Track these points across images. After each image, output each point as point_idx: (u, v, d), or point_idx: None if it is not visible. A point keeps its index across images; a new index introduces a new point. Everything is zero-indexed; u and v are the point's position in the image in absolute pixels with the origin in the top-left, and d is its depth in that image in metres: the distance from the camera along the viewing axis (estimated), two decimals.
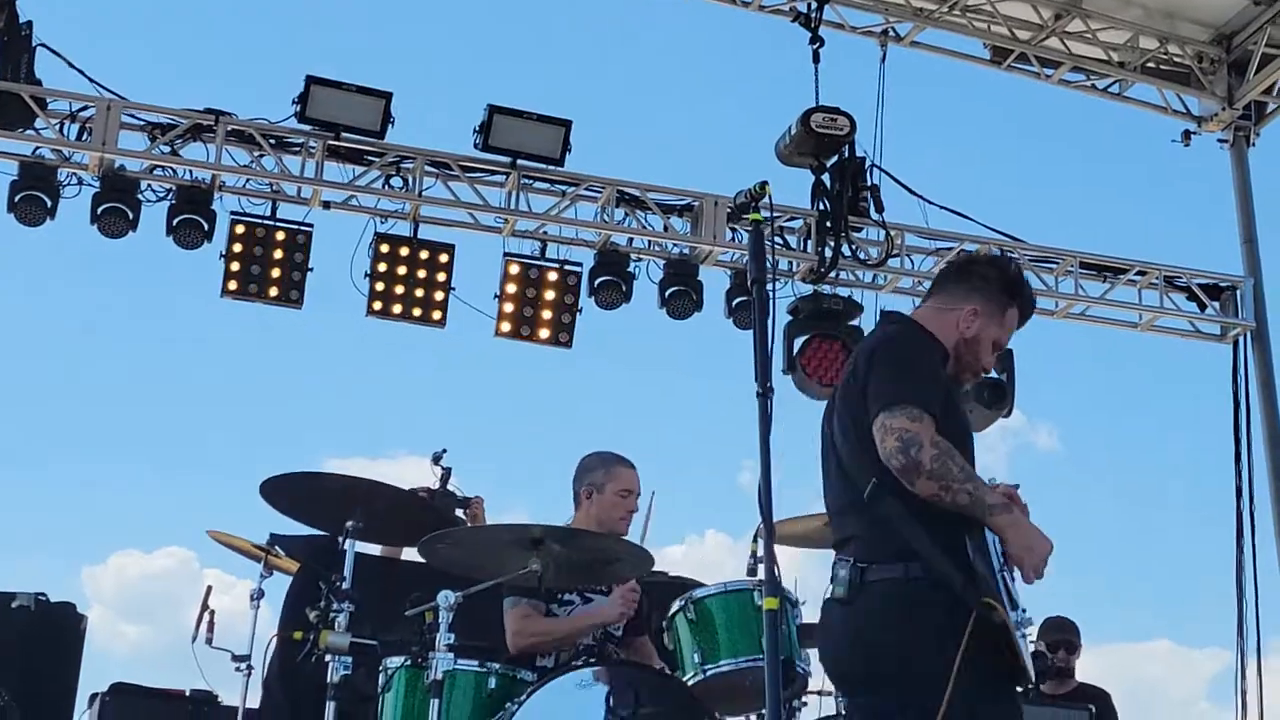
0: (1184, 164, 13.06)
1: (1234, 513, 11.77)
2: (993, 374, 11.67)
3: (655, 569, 6.94)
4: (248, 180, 10.62)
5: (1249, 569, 11.54)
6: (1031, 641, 8.83)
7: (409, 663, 6.24)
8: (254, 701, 7.65)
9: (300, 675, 6.95)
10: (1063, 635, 9.17)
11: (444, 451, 8.25)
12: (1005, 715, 4.58)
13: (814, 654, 7.06)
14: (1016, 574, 4.53)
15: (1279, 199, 13.94)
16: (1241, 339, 12.26)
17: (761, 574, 4.11)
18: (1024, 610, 4.57)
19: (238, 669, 7.63)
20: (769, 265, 4.35)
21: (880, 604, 4.54)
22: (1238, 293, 12.38)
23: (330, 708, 6.27)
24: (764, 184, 4.34)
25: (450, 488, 8.19)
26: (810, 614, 7.29)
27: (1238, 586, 11.51)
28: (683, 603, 6.57)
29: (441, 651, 5.96)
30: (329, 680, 6.29)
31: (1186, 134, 12.62)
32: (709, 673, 6.43)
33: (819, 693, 7.20)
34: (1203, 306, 12.35)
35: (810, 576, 8.62)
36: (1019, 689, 4.62)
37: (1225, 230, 12.72)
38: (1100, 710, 9.01)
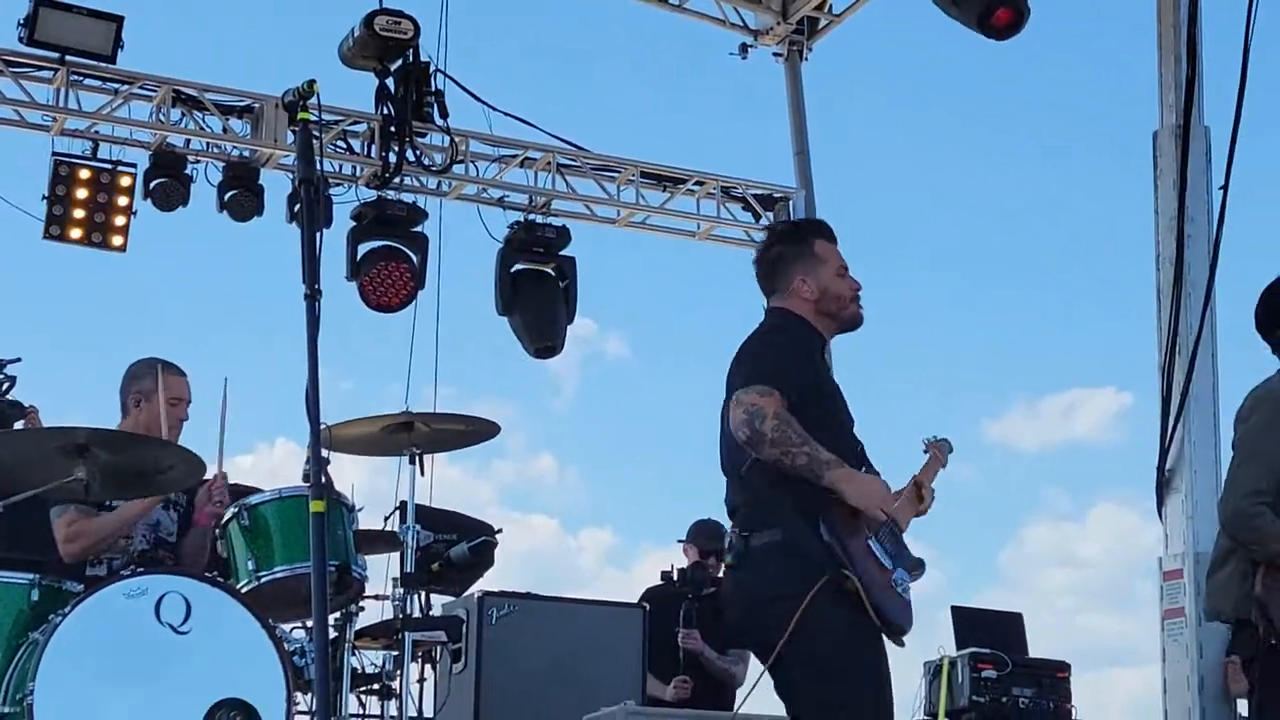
0: (741, 77, 13.37)
1: None
2: (555, 280, 11.85)
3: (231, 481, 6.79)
4: None
5: None
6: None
7: None
8: None
9: None
10: (715, 544, 9.06)
11: (16, 360, 7.86)
12: (868, 666, 4.98)
13: (372, 560, 7.13)
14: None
15: (829, 112, 14.43)
16: None
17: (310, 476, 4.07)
18: (914, 568, 5.11)
19: None
20: (319, 165, 4.30)
21: (763, 568, 5.02)
22: (790, 203, 12.76)
23: None
24: (312, 82, 4.30)
25: (10, 397, 7.84)
26: (371, 519, 7.35)
27: None
28: (236, 509, 6.49)
29: None
30: None
31: (744, 47, 12.88)
32: (263, 579, 6.39)
33: (376, 597, 7.21)
34: (758, 216, 12.72)
35: (375, 482, 8.64)
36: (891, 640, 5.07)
37: (779, 143, 13.11)
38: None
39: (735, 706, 8.92)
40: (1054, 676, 9.30)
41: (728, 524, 5.28)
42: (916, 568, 5.14)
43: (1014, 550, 19.72)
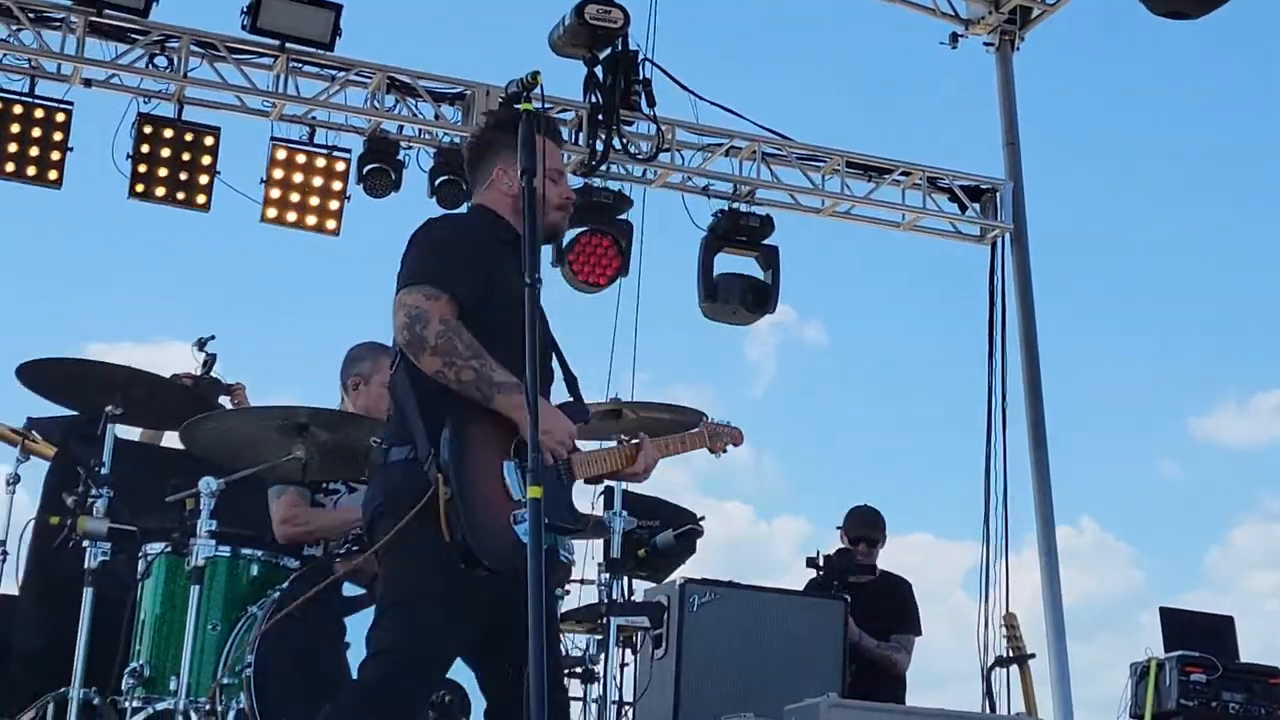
0: (951, 66, 13.27)
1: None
2: (758, 276, 11.86)
3: None
4: (4, 55, 10.29)
5: (998, 467, 11.89)
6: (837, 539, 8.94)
7: (169, 549, 6.18)
8: (9, 588, 7.52)
9: (58, 561, 6.84)
10: (865, 530, 9.24)
11: (211, 338, 8.11)
12: (435, 596, 4.50)
13: (577, 544, 7.21)
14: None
15: (1040, 103, 14.23)
16: (1000, 241, 12.56)
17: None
18: (566, 522, 4.70)
19: None
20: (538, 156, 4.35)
21: (383, 486, 4.66)
22: (998, 195, 12.64)
23: (88, 594, 6.19)
24: (536, 74, 4.34)
25: (214, 374, 8.08)
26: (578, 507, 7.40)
27: (986, 483, 11.87)
28: None
29: (203, 538, 5.91)
30: (87, 566, 6.21)
31: (954, 36, 12.81)
32: None
33: (582, 581, 7.30)
34: (964, 208, 12.62)
35: None
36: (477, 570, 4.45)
37: (988, 133, 12.99)
38: (899, 598, 9.24)
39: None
40: (1265, 683, 9.07)
41: None
42: (569, 522, 4.71)
43: (1222, 551, 19.28)
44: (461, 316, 4.55)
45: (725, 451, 5.43)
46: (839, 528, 9.31)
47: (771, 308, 11.93)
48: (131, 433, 7.46)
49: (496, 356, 4.51)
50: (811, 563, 8.76)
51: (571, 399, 4.91)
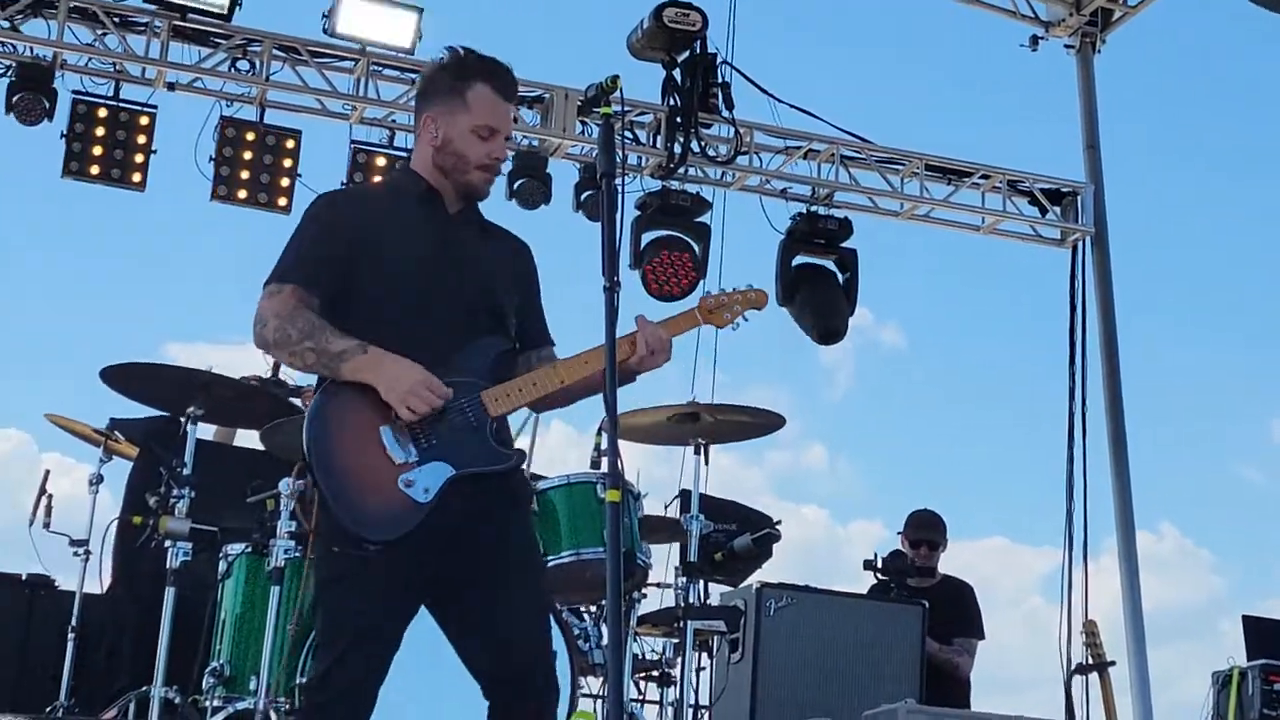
0: (1031, 69, 13.18)
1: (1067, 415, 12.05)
2: (837, 274, 11.81)
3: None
4: (90, 59, 10.39)
5: (1079, 471, 11.82)
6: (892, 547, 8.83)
7: (250, 550, 6.24)
8: (92, 587, 7.60)
9: (140, 561, 6.92)
10: (924, 534, 9.21)
11: None
12: (333, 579, 4.33)
13: (655, 548, 7.22)
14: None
15: (1122, 106, 14.13)
16: (1081, 244, 12.47)
17: (605, 467, 4.12)
18: (483, 460, 4.31)
19: (75, 554, 7.59)
20: (618, 159, 4.34)
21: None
22: (1079, 198, 12.56)
23: (170, 594, 6.26)
24: (615, 78, 4.32)
25: (282, 377, 8.12)
26: (652, 506, 7.43)
27: (1067, 488, 11.79)
28: None
29: (283, 539, 5.96)
30: (169, 566, 6.27)
31: (1034, 39, 12.74)
32: (550, 563, 6.49)
33: (659, 585, 7.31)
34: (1044, 211, 12.53)
35: (653, 470, 8.74)
36: (368, 545, 4.20)
37: (1069, 136, 12.90)
38: (961, 601, 9.20)
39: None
40: None
41: None
42: (490, 463, 4.32)
43: None
44: (322, 294, 4.34)
45: (743, 320, 4.82)
46: (899, 532, 9.28)
47: (850, 311, 11.87)
48: (205, 431, 7.53)
49: (382, 325, 4.32)
50: (869, 565, 8.72)
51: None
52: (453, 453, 4.26)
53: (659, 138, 11.41)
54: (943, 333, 18.45)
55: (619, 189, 4.34)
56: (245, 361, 8.20)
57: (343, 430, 4.25)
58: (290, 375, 8.09)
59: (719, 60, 11.24)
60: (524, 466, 4.54)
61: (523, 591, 4.35)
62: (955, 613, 9.05)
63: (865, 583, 8.74)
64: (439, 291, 4.43)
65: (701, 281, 11.29)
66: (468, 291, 4.46)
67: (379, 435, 4.23)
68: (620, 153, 4.37)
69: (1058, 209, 12.54)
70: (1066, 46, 12.83)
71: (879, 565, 8.68)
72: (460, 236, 4.55)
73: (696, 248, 11.39)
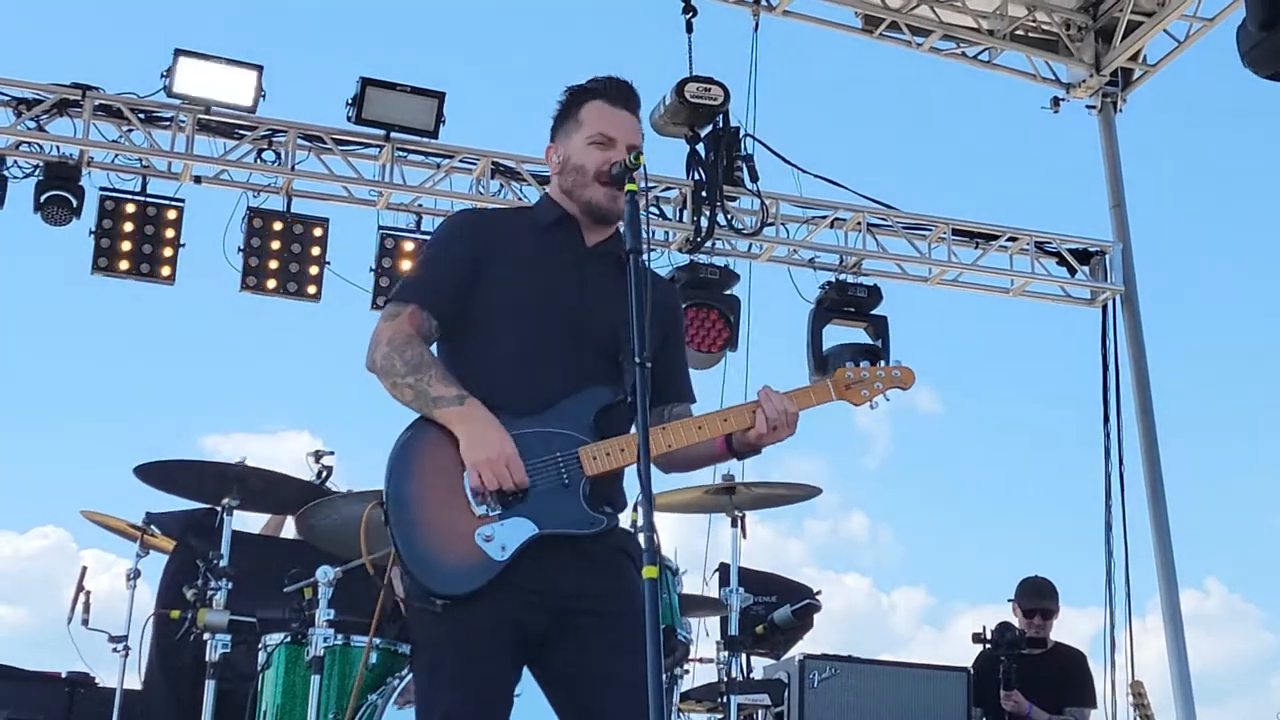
0: (1053, 130, 13.25)
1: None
2: (866, 340, 11.79)
3: None
4: (116, 156, 10.47)
5: (1118, 530, 11.75)
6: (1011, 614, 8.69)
7: (289, 639, 6.21)
8: (132, 682, 7.58)
9: (179, 654, 6.91)
10: (1039, 602, 9.08)
11: (330, 453, 8.02)
12: (424, 627, 4.11)
13: (694, 622, 7.17)
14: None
15: (1146, 164, 14.16)
16: (1111, 303, 12.45)
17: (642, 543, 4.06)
18: (566, 523, 4.08)
19: (115, 650, 7.56)
20: (644, 235, 4.30)
21: None
22: (1107, 257, 12.56)
23: (210, 686, 6.24)
24: (639, 154, 4.29)
25: (329, 485, 8.05)
26: (691, 584, 7.39)
27: (1107, 548, 11.72)
28: None
29: (321, 627, 5.94)
30: (208, 659, 6.25)
31: (1055, 100, 12.77)
32: None
33: (700, 660, 7.26)
34: (1073, 271, 12.53)
35: (692, 544, 8.70)
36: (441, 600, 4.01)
37: (1094, 196, 12.91)
38: (1074, 669, 9.09)
39: None
40: None
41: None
42: (577, 527, 4.09)
43: None
44: (442, 316, 4.23)
45: (883, 399, 4.56)
46: (1010, 600, 9.15)
47: None
48: (254, 524, 7.52)
49: (493, 358, 4.20)
50: (978, 639, 8.60)
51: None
52: (539, 510, 4.06)
53: (685, 212, 11.44)
54: (978, 396, 18.39)
55: (647, 264, 4.29)
56: (285, 451, 8.20)
57: (424, 473, 4.08)
58: (335, 485, 8.03)
59: (742, 133, 11.27)
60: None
61: (629, 678, 3.90)
62: (1066, 681, 8.93)
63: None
64: (560, 329, 4.24)
65: (730, 350, 11.30)
66: (592, 332, 4.26)
67: (463, 483, 4.05)
68: (646, 228, 4.31)
69: (1086, 269, 12.53)
70: (1088, 107, 12.85)
71: (988, 638, 8.57)
72: (593, 270, 4.37)
73: (728, 318, 11.39)
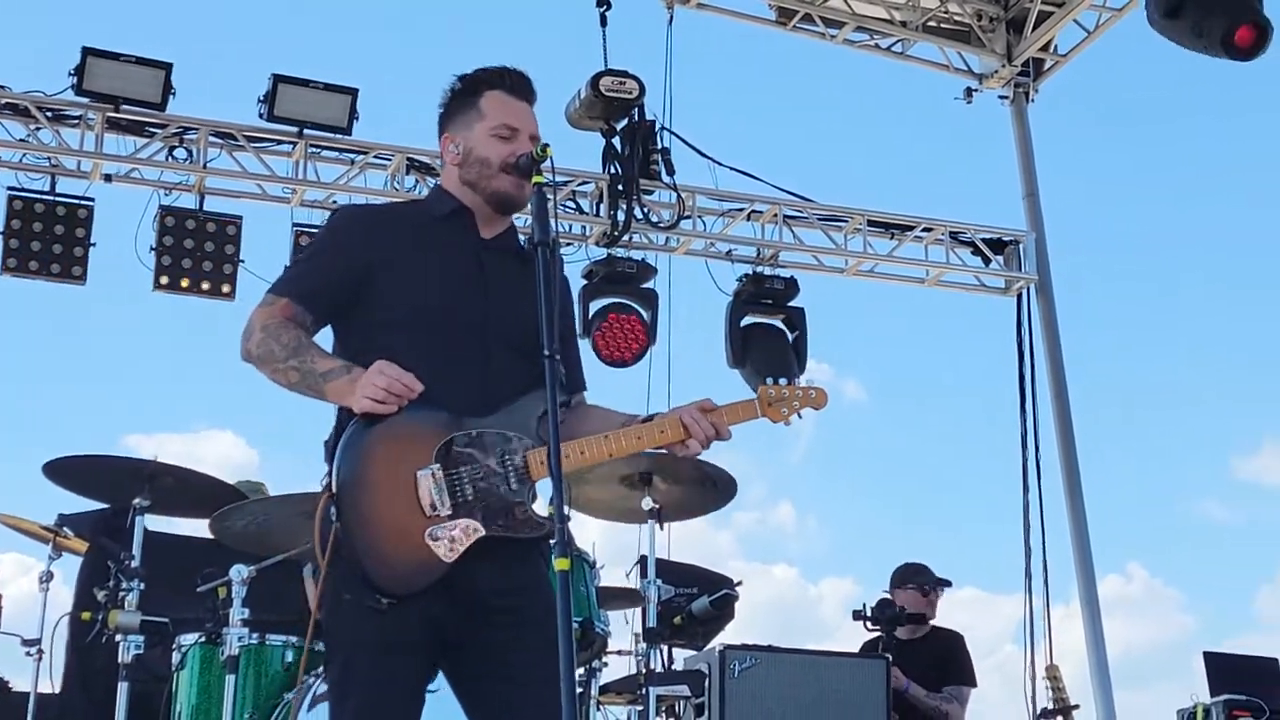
0: (967, 121, 13.29)
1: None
2: (785, 331, 11.82)
3: None
4: (24, 155, 10.37)
5: (1035, 517, 11.85)
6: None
7: (203, 639, 6.17)
8: (47, 686, 7.51)
9: (94, 657, 6.85)
10: (911, 578, 9.20)
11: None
12: (346, 621, 4.05)
13: (613, 615, 7.17)
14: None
15: (1058, 154, 14.23)
16: (1025, 292, 12.54)
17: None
18: (511, 526, 4.07)
19: (28, 653, 7.48)
20: (552, 228, 4.29)
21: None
22: (1020, 247, 12.64)
23: (123, 688, 6.19)
24: (545, 147, 4.29)
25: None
26: (614, 578, 7.39)
27: (1025, 534, 11.82)
28: None
29: (236, 626, 5.90)
30: (121, 660, 6.20)
31: (968, 91, 12.86)
32: None
33: (619, 652, 7.26)
34: (987, 261, 12.61)
35: (614, 538, 8.70)
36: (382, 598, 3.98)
37: (1008, 186, 12.99)
38: (951, 650, 9.15)
39: None
40: None
41: None
42: (523, 525, 4.09)
43: (1273, 593, 19.09)
44: (317, 312, 4.19)
45: (798, 418, 4.55)
46: (885, 591, 9.22)
47: (800, 368, 11.88)
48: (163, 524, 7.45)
49: (395, 336, 4.13)
50: (858, 615, 8.65)
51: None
52: (486, 511, 4.04)
53: (602, 206, 11.44)
54: (899, 386, 18.47)
55: (559, 257, 4.29)
56: (208, 449, 8.15)
57: (375, 467, 4.01)
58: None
59: (658, 126, 11.29)
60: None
61: (539, 675, 3.97)
62: (944, 662, 9.02)
63: (841, 639, 8.69)
64: (471, 332, 4.21)
65: (651, 346, 11.30)
66: (503, 332, 4.23)
67: (414, 480, 4.02)
68: (554, 221, 4.32)
69: (1000, 258, 12.61)
70: (1000, 97, 12.94)
71: (868, 615, 8.62)
72: (493, 266, 4.34)
73: (645, 314, 11.39)
